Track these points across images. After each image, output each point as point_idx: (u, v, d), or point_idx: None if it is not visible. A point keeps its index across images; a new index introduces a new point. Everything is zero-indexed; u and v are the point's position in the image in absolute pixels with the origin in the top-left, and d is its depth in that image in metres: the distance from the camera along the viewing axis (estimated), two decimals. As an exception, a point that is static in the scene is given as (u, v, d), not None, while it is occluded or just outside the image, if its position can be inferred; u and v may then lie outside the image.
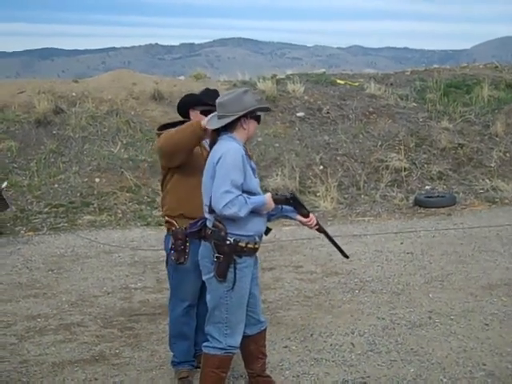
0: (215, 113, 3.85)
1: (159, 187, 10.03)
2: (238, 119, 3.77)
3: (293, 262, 7.49)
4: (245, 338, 3.93)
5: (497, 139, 12.55)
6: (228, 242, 3.68)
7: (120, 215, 9.62)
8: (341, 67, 22.46)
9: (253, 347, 4.03)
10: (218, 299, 3.74)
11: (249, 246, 3.74)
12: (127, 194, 10.02)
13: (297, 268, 7.29)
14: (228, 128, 3.79)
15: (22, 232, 9.07)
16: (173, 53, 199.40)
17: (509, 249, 7.71)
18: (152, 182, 10.35)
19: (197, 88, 12.55)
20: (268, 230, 3.97)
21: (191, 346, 4.49)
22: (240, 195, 3.62)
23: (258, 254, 3.96)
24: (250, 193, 3.72)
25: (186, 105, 4.44)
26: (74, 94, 12.09)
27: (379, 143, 12.04)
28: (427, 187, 11.23)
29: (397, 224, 9.46)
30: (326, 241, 8.26)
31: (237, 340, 3.81)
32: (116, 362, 4.87)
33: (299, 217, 3.98)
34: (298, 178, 10.85)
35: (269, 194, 3.82)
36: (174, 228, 4.27)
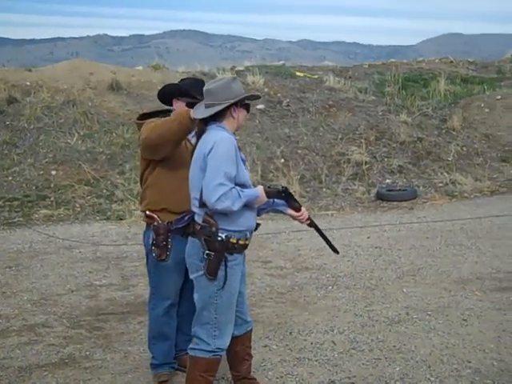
0: (202, 102, 3.65)
1: (118, 180, 9.98)
2: (228, 108, 3.57)
3: (261, 257, 7.34)
4: (232, 338, 3.74)
5: (454, 133, 12.69)
6: (219, 239, 3.48)
7: (78, 209, 9.29)
8: (291, 61, 22.41)
9: (239, 348, 3.84)
10: (207, 299, 3.54)
11: (240, 242, 3.56)
12: (85, 187, 9.68)
13: (265, 263, 7.14)
14: (217, 117, 3.59)
15: (-25, 227, 8.66)
16: (122, 44, 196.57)
17: (475, 242, 7.73)
18: (111, 174, 10.05)
19: (155, 79, 12.31)
20: (257, 225, 3.80)
21: (172, 346, 4.28)
22: (233, 188, 3.43)
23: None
24: (243, 185, 3.53)
25: (170, 95, 4.19)
26: (27, 83, 11.63)
27: (339, 136, 12.00)
28: (388, 181, 11.24)
29: (361, 218, 9.42)
30: (292, 235, 8.31)
31: (225, 342, 3.62)
32: (88, 365, 4.61)
33: (290, 211, 3.82)
34: (259, 172, 10.71)
35: (261, 187, 3.64)
36: (155, 223, 4.04)
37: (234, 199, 3.41)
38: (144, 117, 4.20)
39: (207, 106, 3.57)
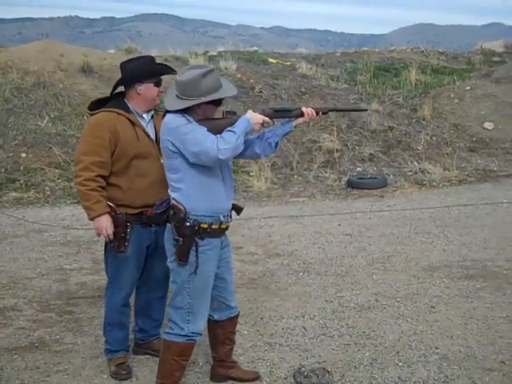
0: (173, 88, 3.56)
1: (89, 164, 9.84)
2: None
3: (232, 243, 7.30)
4: (212, 322, 3.82)
5: (424, 123, 12.82)
6: (188, 224, 3.47)
7: (48, 192, 9.20)
8: (264, 47, 22.35)
9: (219, 332, 3.88)
10: (180, 283, 3.55)
11: (213, 226, 3.55)
12: (56, 171, 9.58)
13: (237, 249, 7.14)
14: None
15: None
16: (93, 26, 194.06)
17: (443, 231, 7.84)
18: (81, 158, 9.93)
19: (127, 62, 12.18)
20: (240, 209, 3.80)
21: (128, 334, 4.34)
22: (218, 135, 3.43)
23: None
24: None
25: (136, 79, 3.96)
26: (-4, 63, 11.44)
27: (311, 123, 12.00)
28: (358, 169, 11.32)
29: (332, 205, 9.48)
30: (264, 221, 8.33)
31: (199, 326, 3.63)
32: (58, 349, 4.60)
33: (297, 121, 3.76)
34: (231, 157, 10.69)
35: (249, 111, 3.65)
36: (113, 213, 3.97)
37: (230, 137, 3.39)
38: (98, 105, 4.05)
39: (177, 97, 3.50)
